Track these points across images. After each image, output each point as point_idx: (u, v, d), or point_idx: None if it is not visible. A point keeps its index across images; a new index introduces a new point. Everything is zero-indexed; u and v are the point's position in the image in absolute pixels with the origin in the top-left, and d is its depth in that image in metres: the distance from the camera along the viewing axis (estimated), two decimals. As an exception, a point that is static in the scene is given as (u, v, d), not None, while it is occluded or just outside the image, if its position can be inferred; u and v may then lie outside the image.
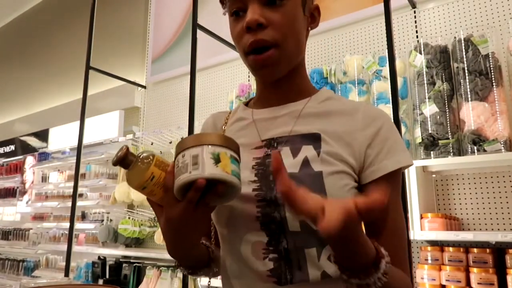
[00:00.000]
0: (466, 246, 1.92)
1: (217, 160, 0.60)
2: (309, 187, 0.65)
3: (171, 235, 0.68)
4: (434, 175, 2.21)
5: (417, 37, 2.45)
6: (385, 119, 0.76)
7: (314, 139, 0.74)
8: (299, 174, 0.71)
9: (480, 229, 2.05)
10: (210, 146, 0.61)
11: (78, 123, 3.35)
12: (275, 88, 0.81)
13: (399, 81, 2.19)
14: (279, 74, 0.77)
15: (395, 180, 0.74)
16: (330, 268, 0.70)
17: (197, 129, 2.80)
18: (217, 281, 2.53)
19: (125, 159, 0.65)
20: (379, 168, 0.72)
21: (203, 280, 2.62)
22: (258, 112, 0.83)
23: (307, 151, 0.73)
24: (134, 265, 3.37)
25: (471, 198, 2.11)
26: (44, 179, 4.74)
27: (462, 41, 2.02)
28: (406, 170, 1.94)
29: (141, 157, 0.65)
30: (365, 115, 0.76)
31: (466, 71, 1.97)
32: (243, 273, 0.74)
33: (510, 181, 2.02)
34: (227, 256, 0.78)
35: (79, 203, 3.58)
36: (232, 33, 0.78)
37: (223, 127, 0.87)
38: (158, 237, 3.16)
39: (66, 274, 3.09)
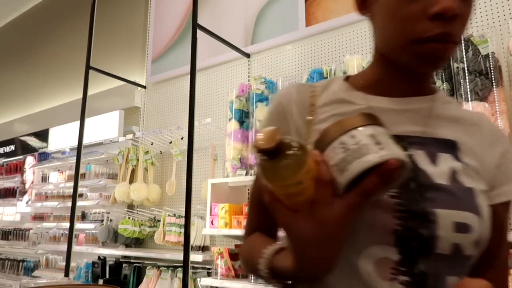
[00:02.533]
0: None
1: (393, 141, 0.51)
2: (462, 204, 0.59)
3: (318, 245, 0.52)
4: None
5: (417, 37, 2.45)
6: (508, 143, 0.70)
7: (450, 147, 0.64)
8: (449, 187, 0.60)
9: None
10: (379, 127, 0.52)
11: (78, 123, 3.36)
12: (406, 75, 0.68)
13: (399, 81, 2.19)
14: (441, 66, 0.66)
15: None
16: None
17: (197, 129, 2.80)
18: (217, 281, 2.53)
19: (278, 147, 0.48)
20: (503, 193, 0.66)
21: (204, 281, 2.62)
22: (376, 100, 0.68)
23: (448, 160, 0.63)
24: (134, 265, 3.37)
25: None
26: (44, 179, 4.75)
27: (462, 41, 2.02)
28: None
29: (293, 144, 0.50)
30: (491, 130, 0.69)
31: (466, 71, 1.97)
32: None
33: None
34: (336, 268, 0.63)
35: (79, 203, 3.58)
36: (397, 11, 0.62)
37: (311, 106, 0.71)
38: (158, 237, 3.16)
39: (66, 274, 3.09)
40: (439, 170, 0.61)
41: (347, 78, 0.75)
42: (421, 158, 0.62)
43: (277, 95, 0.77)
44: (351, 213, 0.51)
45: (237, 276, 2.57)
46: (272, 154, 0.49)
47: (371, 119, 0.52)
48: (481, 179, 0.64)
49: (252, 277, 2.42)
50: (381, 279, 0.59)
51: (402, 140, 0.60)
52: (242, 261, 0.78)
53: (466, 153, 0.65)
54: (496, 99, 1.90)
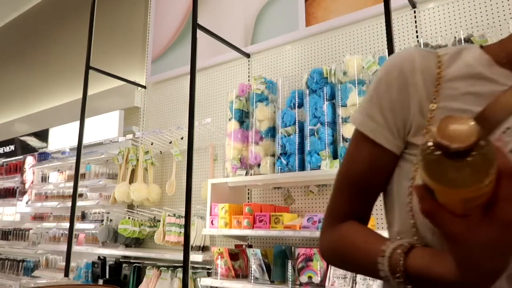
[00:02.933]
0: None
1: None
2: None
3: (502, 253, 0.44)
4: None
5: (417, 37, 2.45)
6: None
7: None
8: None
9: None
10: None
11: (78, 123, 3.36)
12: None
13: (399, 81, 2.19)
14: None
15: None
16: None
17: (197, 129, 2.80)
18: (217, 281, 2.53)
19: (474, 145, 0.39)
20: None
21: (203, 281, 2.62)
22: None
23: None
24: (134, 265, 3.37)
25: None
26: (44, 179, 4.75)
27: (462, 41, 2.02)
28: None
29: (481, 138, 0.40)
30: None
31: (466, 71, 1.97)
32: None
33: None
34: None
35: (79, 203, 3.58)
36: None
37: (438, 78, 0.59)
38: (158, 237, 3.16)
39: (66, 274, 3.09)
40: None
41: (490, 48, 0.62)
42: None
43: (395, 59, 0.64)
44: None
45: (237, 276, 2.57)
46: (461, 154, 0.39)
47: None
48: None
49: (252, 277, 2.42)
50: None
51: None
52: (338, 254, 0.67)
53: None
54: (496, 99, 1.90)
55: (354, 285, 2.12)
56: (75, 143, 3.40)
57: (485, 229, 0.42)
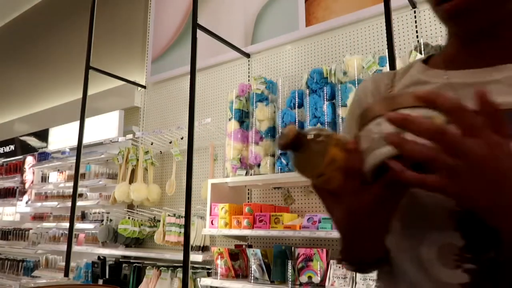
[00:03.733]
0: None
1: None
2: None
3: (352, 231, 0.55)
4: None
5: (417, 37, 2.45)
6: None
7: None
8: None
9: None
10: (432, 110, 0.45)
11: (78, 123, 3.36)
12: (476, 43, 0.61)
13: (399, 81, 2.19)
14: (476, 23, 0.59)
15: None
16: None
17: (197, 129, 2.80)
18: (217, 281, 2.53)
19: (296, 141, 0.50)
20: None
21: (203, 281, 2.62)
22: (456, 75, 0.62)
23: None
24: (134, 265, 3.37)
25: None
26: (44, 179, 4.75)
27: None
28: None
29: (313, 136, 0.51)
30: None
31: (466, 71, 1.97)
32: (419, 280, 0.57)
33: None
34: (397, 255, 0.61)
35: (79, 203, 3.58)
36: None
37: (389, 92, 0.68)
38: (158, 237, 3.16)
39: (66, 274, 3.09)
40: None
41: (428, 59, 0.70)
42: None
43: (357, 91, 0.75)
44: (377, 203, 0.50)
45: (237, 276, 2.57)
46: (295, 148, 0.51)
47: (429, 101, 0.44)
48: None
49: (252, 277, 2.42)
50: (444, 267, 0.54)
51: None
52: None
53: None
54: (496, 99, 1.90)
55: (354, 285, 2.12)
56: (75, 143, 3.40)
57: (338, 212, 0.54)
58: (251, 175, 2.63)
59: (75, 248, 3.52)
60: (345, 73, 2.41)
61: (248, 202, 2.95)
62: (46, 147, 5.00)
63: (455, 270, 0.53)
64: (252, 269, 2.42)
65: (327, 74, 2.48)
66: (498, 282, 0.51)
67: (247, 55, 3.24)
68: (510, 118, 0.50)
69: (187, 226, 2.39)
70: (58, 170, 4.60)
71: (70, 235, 3.15)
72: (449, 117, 0.43)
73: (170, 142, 3.47)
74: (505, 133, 0.43)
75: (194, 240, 2.87)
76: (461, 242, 0.54)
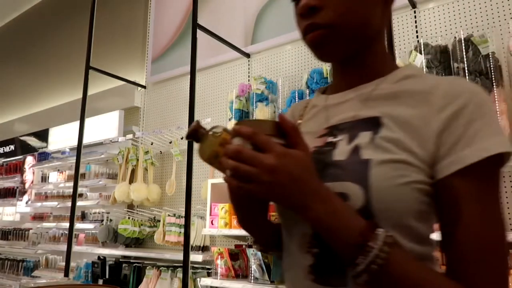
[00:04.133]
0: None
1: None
2: (350, 176, 0.60)
3: (233, 206, 0.72)
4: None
5: (417, 37, 2.45)
6: (472, 95, 0.59)
7: (373, 123, 0.64)
8: (344, 162, 0.63)
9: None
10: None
11: (78, 123, 3.35)
12: (344, 69, 0.73)
13: (399, 81, 2.19)
14: (336, 53, 0.69)
15: (481, 175, 0.56)
16: None
17: (197, 129, 2.80)
18: (217, 281, 2.53)
19: (196, 132, 0.66)
20: (455, 160, 0.57)
21: (203, 281, 2.62)
22: (330, 98, 0.75)
23: (363, 137, 0.63)
24: (134, 265, 3.37)
25: (471, 198, 2.10)
26: (44, 179, 4.74)
27: (462, 41, 2.02)
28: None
29: (212, 131, 0.65)
30: (446, 93, 0.60)
31: (466, 71, 1.97)
32: (290, 265, 0.69)
33: (510, 181, 2.01)
34: (283, 245, 0.73)
35: (79, 203, 3.58)
36: (295, 20, 0.72)
37: (300, 118, 0.79)
38: (158, 237, 3.16)
39: (66, 274, 3.09)
40: (346, 148, 0.64)
41: (327, 87, 0.82)
42: (343, 142, 0.65)
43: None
44: (236, 194, 0.68)
45: (237, 276, 2.57)
46: (196, 138, 0.66)
47: (262, 127, 0.60)
48: (406, 150, 0.59)
49: (252, 277, 2.42)
50: (300, 252, 0.65)
51: (335, 129, 0.69)
52: None
53: (391, 126, 0.62)
54: (496, 99, 1.90)
55: (354, 285, 2.12)
56: (75, 143, 3.40)
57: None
58: (251, 175, 2.62)
59: (75, 248, 3.52)
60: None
61: (248, 202, 2.94)
62: (46, 147, 5.00)
63: (306, 254, 0.64)
64: (252, 269, 2.42)
65: (327, 74, 2.48)
66: (334, 263, 0.61)
67: (247, 55, 3.24)
68: (362, 127, 0.65)
69: (187, 226, 2.38)
70: (58, 170, 4.60)
71: (70, 235, 3.15)
72: (250, 141, 0.56)
73: (170, 142, 3.47)
74: (301, 146, 0.57)
75: (194, 240, 2.87)
76: (310, 231, 0.64)
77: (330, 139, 0.68)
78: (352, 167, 0.61)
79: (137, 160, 3.59)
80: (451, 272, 0.56)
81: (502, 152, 0.56)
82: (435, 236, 0.62)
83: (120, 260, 3.58)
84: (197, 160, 3.38)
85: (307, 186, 0.55)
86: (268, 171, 0.53)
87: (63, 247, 3.44)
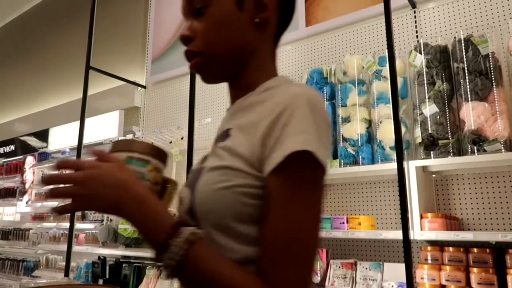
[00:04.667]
0: (466, 246, 1.92)
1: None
2: (188, 182, 0.71)
3: None
4: (434, 175, 2.21)
5: (417, 37, 2.45)
6: (293, 99, 0.63)
7: (225, 135, 0.71)
8: (193, 170, 0.74)
9: (480, 229, 2.05)
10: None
11: (78, 123, 3.35)
12: (230, 87, 0.82)
13: (399, 81, 2.19)
14: (216, 76, 0.80)
15: (288, 174, 0.60)
16: None
17: (197, 129, 2.80)
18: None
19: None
20: (269, 161, 0.61)
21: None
22: (227, 112, 0.84)
23: (214, 148, 0.72)
24: (134, 265, 3.37)
25: (471, 198, 2.11)
26: (44, 179, 4.74)
27: (462, 41, 2.02)
28: (407, 169, 1.94)
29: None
30: (277, 99, 0.65)
31: (466, 71, 1.97)
32: None
33: (510, 181, 2.02)
34: None
35: (79, 203, 3.57)
36: None
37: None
38: (158, 237, 3.15)
39: (66, 274, 3.09)
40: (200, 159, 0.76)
41: None
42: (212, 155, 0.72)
43: None
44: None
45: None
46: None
47: (121, 144, 0.71)
48: (236, 156, 0.65)
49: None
50: None
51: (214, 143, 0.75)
52: None
53: (235, 135, 0.68)
54: (496, 99, 1.90)
55: (354, 285, 2.12)
56: (75, 143, 3.40)
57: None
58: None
59: (75, 248, 3.52)
60: (345, 73, 2.41)
61: (248, 202, 2.95)
62: (46, 147, 5.00)
63: None
64: (252, 269, 2.42)
65: (327, 74, 2.48)
66: None
67: (247, 55, 3.23)
68: (221, 139, 0.71)
69: (187, 226, 2.38)
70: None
71: (70, 235, 3.15)
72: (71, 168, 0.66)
73: (170, 142, 3.47)
74: (112, 160, 0.65)
75: (194, 240, 2.86)
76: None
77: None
78: (193, 174, 0.71)
79: (137, 160, 3.58)
80: (258, 269, 0.60)
81: (308, 151, 0.58)
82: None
83: (120, 260, 3.58)
84: (197, 160, 3.39)
85: (118, 192, 0.62)
86: (77, 183, 0.63)
87: (63, 247, 3.44)
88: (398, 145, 1.77)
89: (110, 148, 0.72)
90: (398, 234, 1.80)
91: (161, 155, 0.72)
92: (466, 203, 2.12)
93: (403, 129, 2.08)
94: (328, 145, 0.64)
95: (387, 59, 1.86)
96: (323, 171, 0.62)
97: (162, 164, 0.72)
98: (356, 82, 2.34)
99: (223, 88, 3.37)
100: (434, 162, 2.01)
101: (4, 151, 5.79)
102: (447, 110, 2.02)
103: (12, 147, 5.67)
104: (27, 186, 5.04)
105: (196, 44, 0.76)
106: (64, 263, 3.34)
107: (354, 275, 2.14)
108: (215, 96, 3.43)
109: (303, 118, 0.61)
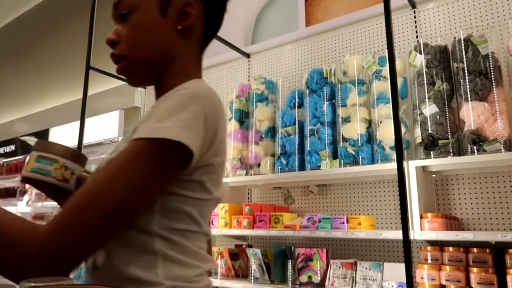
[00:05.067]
0: (466, 246, 1.92)
1: (28, 162, 0.80)
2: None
3: None
4: (434, 175, 2.21)
5: (417, 37, 2.45)
6: (167, 96, 0.73)
7: (130, 134, 0.76)
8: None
9: (480, 229, 2.06)
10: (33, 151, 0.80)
11: (78, 123, 3.35)
12: (155, 89, 0.86)
13: (399, 81, 2.20)
14: (141, 80, 0.83)
15: (130, 150, 0.65)
16: (98, 258, 0.73)
17: (197, 129, 2.80)
18: (217, 281, 2.53)
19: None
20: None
21: (203, 280, 2.62)
22: None
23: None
24: (134, 265, 3.37)
25: (471, 198, 2.11)
26: (44, 179, 4.74)
27: (462, 41, 2.02)
28: (407, 169, 1.94)
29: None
30: (160, 100, 0.76)
31: (466, 71, 1.98)
32: None
33: (510, 181, 2.02)
34: None
35: (79, 203, 3.57)
36: None
37: None
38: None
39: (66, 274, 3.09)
40: None
41: None
42: None
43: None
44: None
45: (237, 276, 2.57)
46: None
47: (38, 145, 0.81)
48: (118, 151, 0.70)
49: (252, 277, 2.43)
50: None
51: None
52: None
53: (129, 133, 0.75)
54: (496, 99, 1.91)
55: (354, 285, 2.12)
56: (75, 143, 3.40)
57: None
58: (251, 175, 2.63)
59: (76, 248, 3.52)
60: (345, 73, 2.41)
61: (248, 202, 2.95)
62: (46, 147, 5.00)
63: None
64: (252, 269, 2.43)
65: (327, 74, 2.48)
66: None
67: (247, 55, 3.24)
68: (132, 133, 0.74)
69: (187, 226, 2.38)
70: (58, 170, 4.59)
71: (70, 235, 3.15)
72: None
73: (170, 142, 3.47)
74: None
75: (194, 240, 2.86)
76: None
77: None
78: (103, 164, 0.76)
79: (137, 160, 3.58)
80: None
81: (154, 138, 0.63)
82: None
83: (121, 260, 3.58)
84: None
85: None
86: None
87: (64, 247, 3.43)
88: (398, 145, 1.77)
89: (32, 147, 0.81)
90: (398, 234, 1.80)
91: (76, 157, 0.82)
92: (466, 203, 2.12)
93: (403, 129, 2.08)
94: (195, 129, 0.66)
95: (387, 59, 1.86)
96: (171, 148, 0.64)
97: (75, 164, 0.81)
98: (356, 82, 2.34)
99: (223, 88, 3.37)
100: (434, 162, 2.01)
101: (4, 151, 5.79)
102: (447, 110, 2.02)
103: (12, 147, 5.67)
104: (27, 186, 5.04)
105: (121, 48, 0.80)
106: (64, 263, 3.34)
107: (354, 275, 2.14)
108: (215, 96, 3.43)
109: (165, 107, 0.67)
